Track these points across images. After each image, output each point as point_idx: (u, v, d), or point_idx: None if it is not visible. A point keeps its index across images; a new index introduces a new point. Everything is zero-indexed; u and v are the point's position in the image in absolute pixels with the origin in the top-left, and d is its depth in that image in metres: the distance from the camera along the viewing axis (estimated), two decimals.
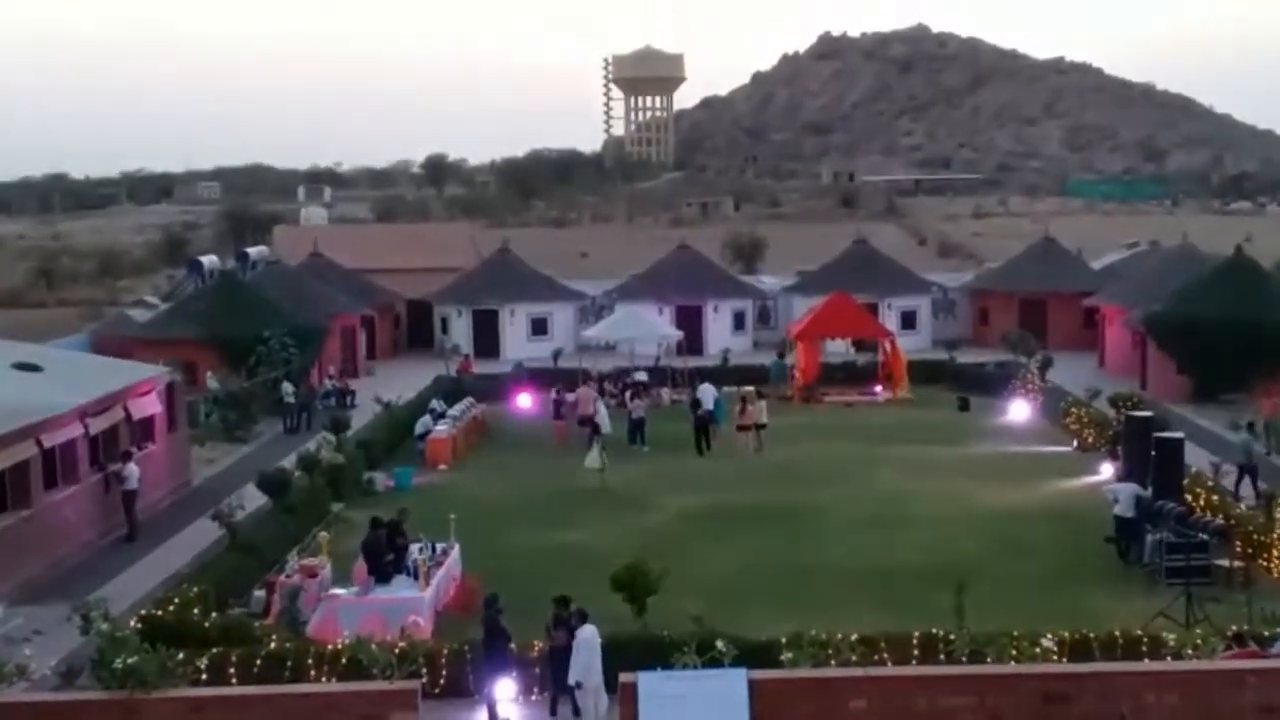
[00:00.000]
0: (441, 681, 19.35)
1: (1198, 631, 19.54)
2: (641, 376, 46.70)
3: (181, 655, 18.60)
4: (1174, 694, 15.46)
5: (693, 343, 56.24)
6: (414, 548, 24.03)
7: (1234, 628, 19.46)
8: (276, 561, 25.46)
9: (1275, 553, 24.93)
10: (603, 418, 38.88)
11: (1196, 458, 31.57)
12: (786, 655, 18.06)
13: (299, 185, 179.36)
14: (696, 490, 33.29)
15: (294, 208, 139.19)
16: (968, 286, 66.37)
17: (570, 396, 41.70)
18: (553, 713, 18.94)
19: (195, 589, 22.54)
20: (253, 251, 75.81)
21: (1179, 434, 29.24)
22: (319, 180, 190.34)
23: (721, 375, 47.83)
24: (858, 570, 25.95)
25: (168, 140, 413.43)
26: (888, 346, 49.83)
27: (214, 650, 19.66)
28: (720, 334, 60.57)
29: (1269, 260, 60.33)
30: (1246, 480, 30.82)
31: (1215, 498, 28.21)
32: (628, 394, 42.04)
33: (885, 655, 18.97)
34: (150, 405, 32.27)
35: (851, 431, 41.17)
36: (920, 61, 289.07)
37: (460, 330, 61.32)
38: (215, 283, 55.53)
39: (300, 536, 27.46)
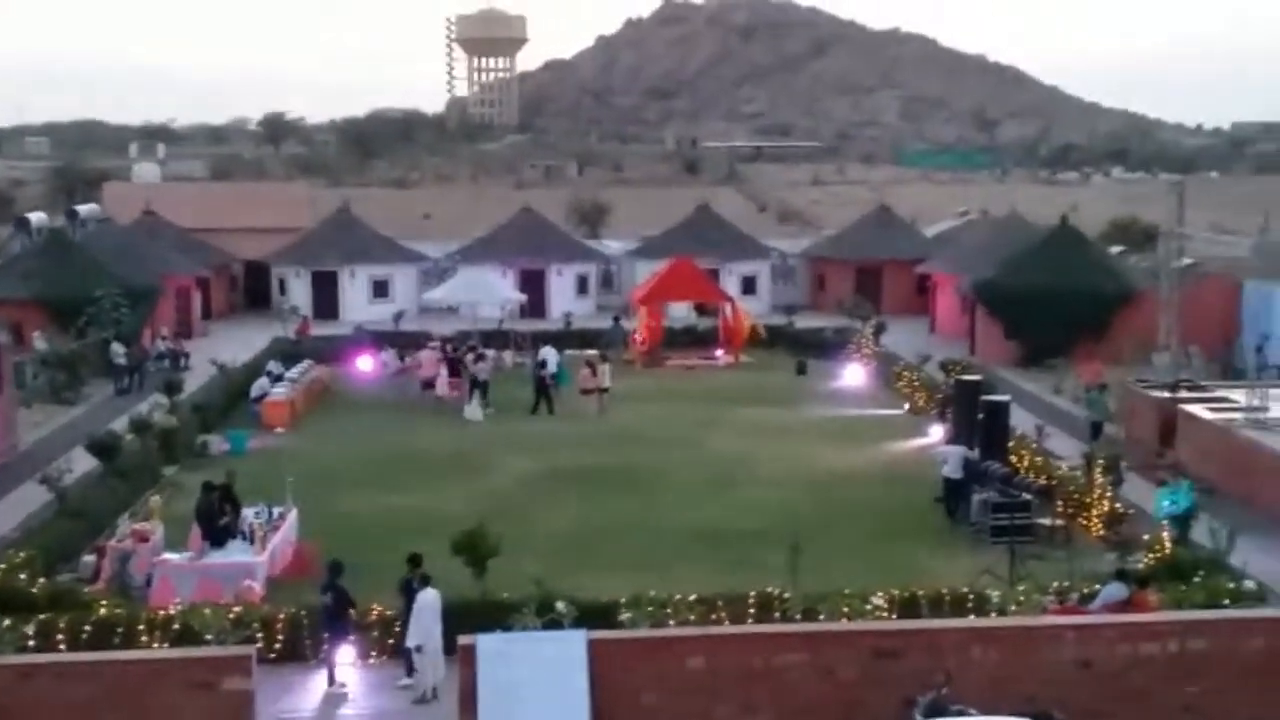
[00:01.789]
0: (277, 647, 19.18)
1: (1020, 589, 20.27)
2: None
3: (9, 622, 18.22)
4: (997, 649, 16.02)
5: (535, 306, 56.19)
6: (249, 512, 23.71)
7: (1055, 584, 20.28)
8: (107, 526, 24.92)
9: (1094, 512, 25.93)
10: (482, 369, 39.67)
11: (1022, 420, 32.63)
12: (625, 616, 18.37)
13: (131, 142, 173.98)
14: (539, 453, 33.37)
15: (126, 164, 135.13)
16: (806, 253, 67.39)
17: (408, 359, 41.52)
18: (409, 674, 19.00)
19: (22, 554, 21.93)
20: (83, 209, 73.34)
21: (1005, 397, 30.24)
22: (153, 137, 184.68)
23: (564, 339, 47.94)
24: (696, 531, 26.32)
25: None
26: (728, 311, 50.40)
27: (42, 616, 19.19)
28: (563, 297, 60.56)
29: (1093, 230, 62.53)
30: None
31: (1039, 459, 29.22)
32: (469, 357, 41.86)
33: (722, 614, 19.32)
34: None
35: (692, 395, 41.64)
36: (762, 29, 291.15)
37: (299, 292, 60.32)
38: (44, 241, 53.81)
39: (131, 500, 26.95)
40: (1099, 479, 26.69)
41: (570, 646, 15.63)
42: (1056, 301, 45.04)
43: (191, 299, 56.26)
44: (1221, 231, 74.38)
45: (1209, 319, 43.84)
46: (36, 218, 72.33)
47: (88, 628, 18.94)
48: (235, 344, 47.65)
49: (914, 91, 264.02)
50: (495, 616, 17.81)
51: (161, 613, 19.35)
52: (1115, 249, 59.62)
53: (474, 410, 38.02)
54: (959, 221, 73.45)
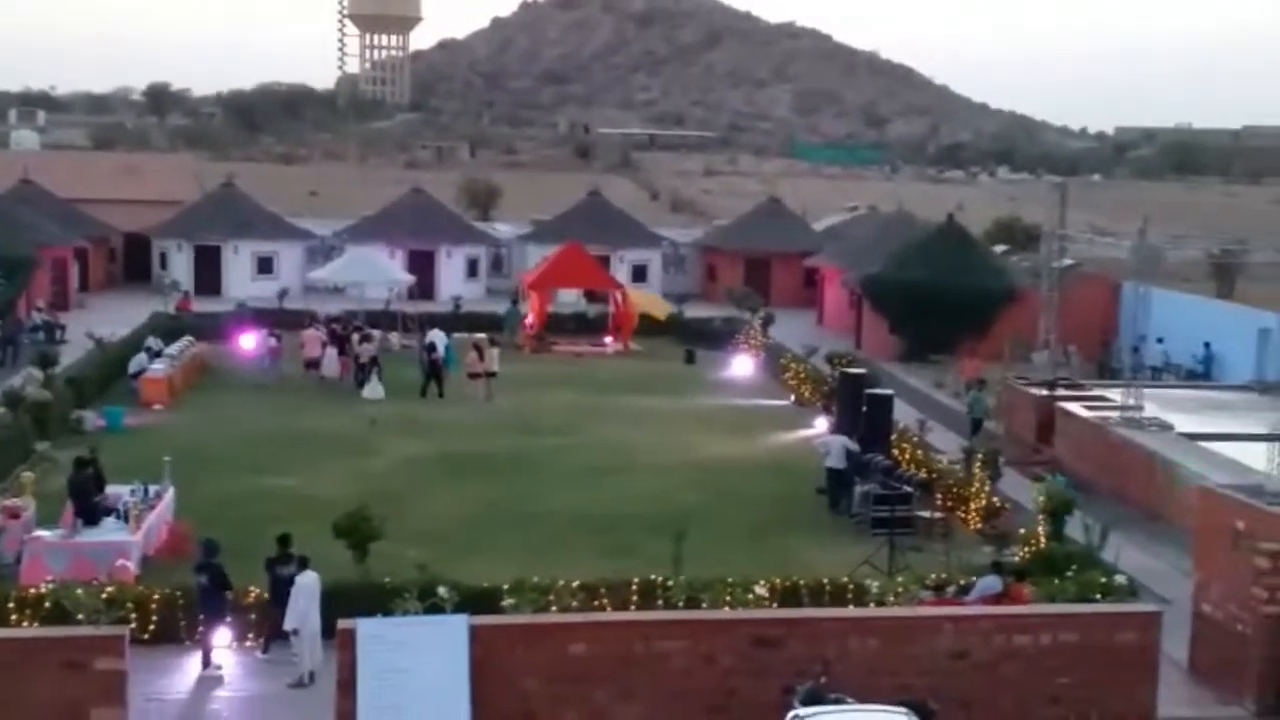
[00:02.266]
0: (151, 627, 18.81)
1: (899, 580, 20.55)
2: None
3: None
4: (875, 639, 16.22)
5: (424, 288, 55.72)
6: (124, 490, 23.22)
7: (933, 576, 20.59)
8: None
9: (973, 505, 26.38)
10: (367, 350, 39.56)
11: (904, 414, 33.07)
12: (508, 601, 18.27)
13: (10, 108, 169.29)
14: (424, 436, 33.13)
15: (4, 131, 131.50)
16: (698, 243, 67.71)
17: (272, 341, 40.95)
18: (265, 650, 18.76)
19: None
20: None
21: (889, 391, 30.64)
22: (32, 103, 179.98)
23: (453, 322, 47.61)
24: (581, 518, 26.32)
25: None
26: (619, 298, 50.42)
27: None
28: (453, 280, 60.14)
29: (978, 229, 63.51)
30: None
31: (920, 453, 29.65)
32: (354, 337, 41.40)
33: (605, 601, 19.32)
34: None
35: (580, 381, 41.61)
36: (658, 17, 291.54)
37: (180, 266, 59.20)
38: None
39: (2, 476, 26.25)
40: (978, 473, 27.14)
41: (452, 632, 15.52)
42: (940, 298, 45.69)
43: (69, 271, 54.98)
44: (1102, 233, 76.03)
45: (1088, 319, 44.86)
46: None
47: None
48: (113, 318, 46.61)
49: (806, 86, 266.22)
50: (376, 601, 17.60)
51: (32, 591, 18.86)
52: (999, 248, 60.69)
53: (374, 389, 37.87)
54: (848, 216, 74.34)
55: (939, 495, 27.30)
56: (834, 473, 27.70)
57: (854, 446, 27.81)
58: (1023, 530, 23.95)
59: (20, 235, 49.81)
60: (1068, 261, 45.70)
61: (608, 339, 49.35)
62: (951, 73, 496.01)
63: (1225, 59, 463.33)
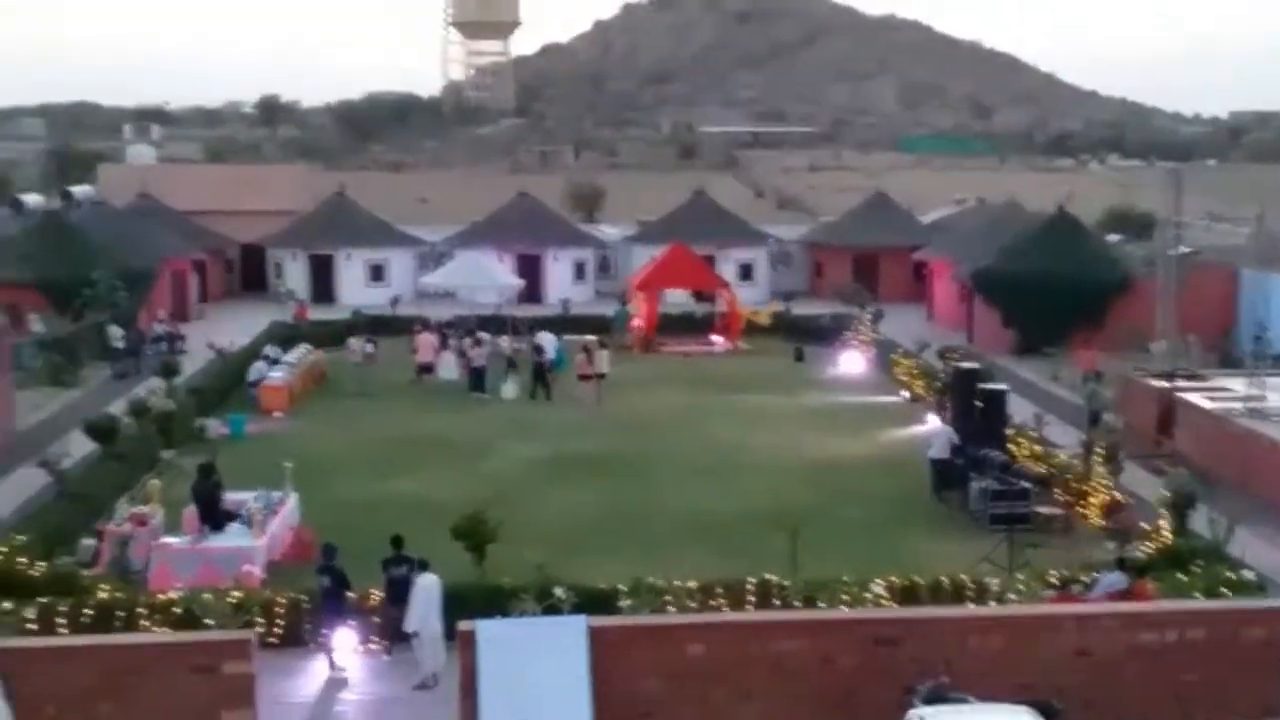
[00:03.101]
0: (278, 631, 19.19)
1: (1019, 577, 20.30)
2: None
3: (9, 605, 18.20)
4: (996, 637, 16.04)
5: (533, 291, 56.16)
6: (249, 496, 23.73)
7: (1054, 573, 20.32)
8: (105, 509, 24.90)
9: (1093, 500, 25.97)
10: (479, 355, 39.81)
11: (1020, 408, 32.65)
12: (626, 602, 18.38)
13: (126, 123, 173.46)
14: (537, 439, 33.38)
15: (121, 146, 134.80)
16: (804, 239, 67.39)
17: (369, 347, 41.43)
18: (388, 652, 19.04)
19: (22, 538, 21.90)
20: (78, 191, 73.25)
21: (1003, 385, 30.27)
22: (147, 118, 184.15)
23: (561, 324, 47.93)
24: (695, 518, 26.36)
25: None
26: (726, 297, 50.38)
27: (42, 600, 19.18)
28: (560, 283, 60.53)
29: (1090, 218, 62.48)
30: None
31: (1037, 447, 29.26)
32: (467, 342, 41.86)
33: (721, 601, 19.34)
34: None
35: (689, 381, 41.65)
36: (757, 15, 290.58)
37: (295, 275, 60.29)
38: (39, 222, 53.66)
39: (130, 484, 26.91)
40: (1097, 467, 26.73)
41: (571, 632, 15.62)
42: (1054, 289, 45.08)
43: (188, 282, 56.22)
44: (1218, 220, 74.51)
45: (1206, 308, 43.93)
46: (31, 199, 72.28)
47: (88, 611, 18.95)
48: (232, 327, 47.61)
49: (910, 78, 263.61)
50: (495, 602, 17.81)
51: (162, 597, 19.34)
52: (1112, 237, 59.69)
53: (510, 389, 38.25)
54: (956, 209, 73.47)
55: (1058, 490, 26.93)
56: (937, 462, 27.83)
57: (956, 439, 27.78)
58: (1145, 525, 23.53)
59: (140, 248, 51.03)
60: (1184, 249, 44.93)
61: (716, 338, 49.31)
62: (1057, 60, 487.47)
63: None
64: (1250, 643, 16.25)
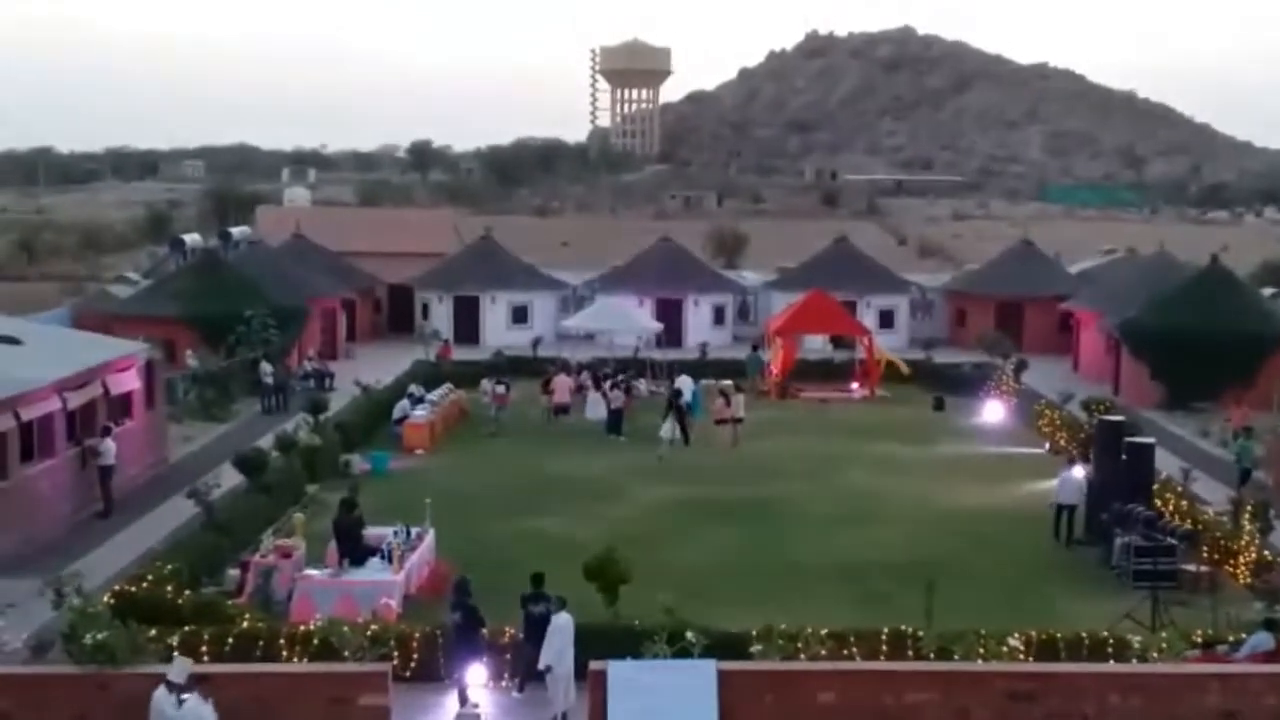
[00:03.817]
0: (412, 665, 19.46)
1: (1163, 635, 19.77)
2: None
3: (154, 632, 18.69)
4: (1138, 696, 15.68)
5: (672, 335, 56.33)
6: (388, 531, 24.14)
7: (1200, 632, 19.74)
8: (251, 541, 25.52)
9: (1241, 559, 25.21)
10: (617, 397, 40.25)
11: (1167, 463, 31.85)
12: (756, 648, 18.24)
13: (283, 166, 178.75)
14: (672, 482, 33.44)
15: (278, 188, 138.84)
16: (946, 287, 66.62)
17: (499, 388, 41.84)
18: (520, 690, 19.15)
19: (169, 566, 22.57)
20: (235, 231, 75.66)
21: (1150, 439, 29.53)
22: (303, 162, 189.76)
23: (700, 369, 48.01)
24: (829, 565, 26.15)
25: (152, 117, 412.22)
26: (866, 344, 50.04)
27: (187, 628, 19.70)
28: (700, 327, 60.65)
29: (1244, 271, 60.89)
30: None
31: (1184, 503, 28.50)
32: (606, 384, 42.16)
33: (854, 650, 19.14)
34: (129, 381, 32.23)
35: (827, 428, 41.39)
36: (906, 63, 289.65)
37: (441, 316, 61.32)
38: (196, 261, 55.31)
39: (275, 517, 27.53)
40: (1247, 525, 25.94)
41: (701, 676, 15.62)
42: (1205, 343, 43.96)
43: (337, 321, 57.49)
44: None
45: None
46: (191, 238, 74.78)
47: (230, 640, 19.42)
48: (378, 366, 48.54)
49: (1060, 127, 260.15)
50: (626, 643, 17.84)
51: (302, 628, 19.74)
52: (1267, 290, 58.01)
53: (667, 429, 37.68)
54: (1104, 259, 72.07)
55: (1205, 548, 26.17)
56: (1063, 507, 28.12)
57: (1084, 487, 28.20)
58: None
59: (293, 287, 52.37)
60: None
61: (854, 385, 48.98)
62: (1213, 111, 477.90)
63: None
64: None
